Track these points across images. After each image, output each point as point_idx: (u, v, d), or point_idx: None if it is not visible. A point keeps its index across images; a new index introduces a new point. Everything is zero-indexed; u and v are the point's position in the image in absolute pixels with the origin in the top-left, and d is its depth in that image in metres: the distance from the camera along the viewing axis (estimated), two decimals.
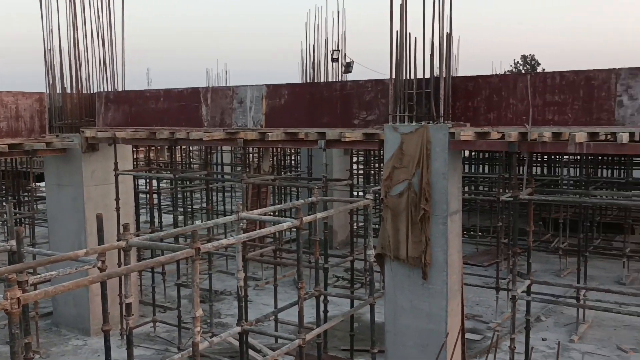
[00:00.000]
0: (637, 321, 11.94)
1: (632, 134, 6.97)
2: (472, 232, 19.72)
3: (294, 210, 12.55)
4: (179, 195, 16.46)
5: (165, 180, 20.48)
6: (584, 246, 12.61)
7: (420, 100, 8.28)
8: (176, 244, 8.07)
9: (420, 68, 8.24)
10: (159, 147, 14.11)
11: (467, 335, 11.44)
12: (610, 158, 22.95)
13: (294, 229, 6.62)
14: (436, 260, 8.08)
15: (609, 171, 23.49)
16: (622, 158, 20.52)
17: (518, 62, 56.61)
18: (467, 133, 7.66)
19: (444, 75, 8.01)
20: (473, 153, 25.31)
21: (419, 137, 8.01)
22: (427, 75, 8.20)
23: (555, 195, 11.62)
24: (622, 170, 20.87)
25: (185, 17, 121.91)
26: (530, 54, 57.54)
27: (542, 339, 11.35)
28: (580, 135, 6.95)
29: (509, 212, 13.92)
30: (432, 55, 8.07)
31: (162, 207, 15.22)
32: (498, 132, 7.71)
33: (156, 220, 13.47)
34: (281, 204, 18.62)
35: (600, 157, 22.37)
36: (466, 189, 23.45)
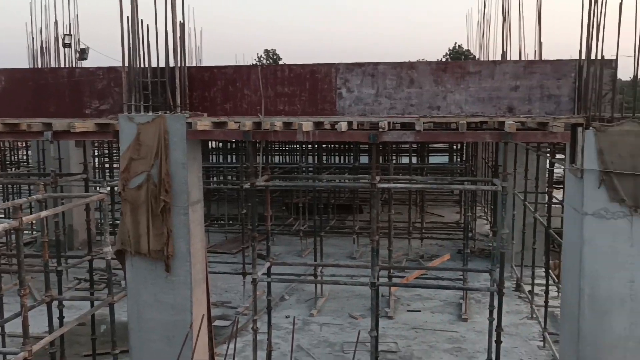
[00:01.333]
0: (365, 290, 13.44)
1: (350, 123, 7.78)
2: (221, 221, 20.08)
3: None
4: None
5: None
6: (320, 227, 13.75)
7: (156, 89, 8.09)
8: None
9: (155, 57, 8.04)
10: None
11: (216, 322, 11.64)
12: (341, 145, 25.38)
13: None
14: (179, 251, 8.02)
15: (341, 157, 25.98)
16: (351, 145, 22.81)
17: (261, 56, 59.08)
18: (204, 123, 7.72)
19: (179, 65, 7.94)
20: (220, 143, 25.73)
21: (156, 127, 7.83)
22: (163, 64, 8.04)
23: (289, 181, 12.39)
24: (351, 157, 23.18)
25: None
26: (272, 49, 60.56)
27: (286, 317, 12.08)
28: (307, 124, 7.51)
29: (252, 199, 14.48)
30: (166, 43, 7.93)
31: None
32: (234, 122, 7.93)
33: None
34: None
35: (332, 145, 24.60)
36: (214, 178, 23.79)
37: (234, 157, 25.32)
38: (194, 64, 16.30)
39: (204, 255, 8.66)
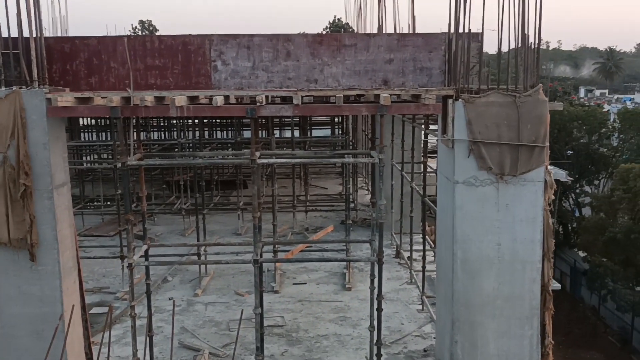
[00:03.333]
0: (251, 266, 13.30)
1: (226, 97, 7.52)
2: (97, 202, 19.00)
3: None
4: None
5: None
6: (202, 204, 13.39)
7: (8, 62, 7.32)
8: None
9: (6, 26, 7.26)
10: None
11: (94, 310, 11.05)
12: (222, 120, 24.85)
13: None
14: (44, 238, 7.41)
15: (223, 132, 25.47)
16: (233, 120, 22.40)
17: (136, 27, 56.17)
18: (66, 99, 7.12)
19: (35, 35, 7.22)
20: (92, 120, 24.27)
21: (11, 104, 7.11)
22: (16, 35, 7.27)
23: (165, 159, 11.90)
24: (233, 131, 22.77)
25: None
26: (147, 19, 57.75)
27: (169, 299, 11.70)
28: (180, 99, 7.16)
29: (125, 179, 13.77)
30: (18, 11, 7.17)
31: None
32: (101, 98, 7.39)
33: None
34: None
35: (214, 120, 24.01)
36: (87, 158, 22.43)
37: (108, 134, 23.99)
38: (59, 35, 15.02)
39: (74, 241, 8.08)
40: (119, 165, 8.81)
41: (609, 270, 20.52)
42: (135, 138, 9.04)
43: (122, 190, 9.92)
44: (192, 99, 7.58)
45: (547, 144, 7.38)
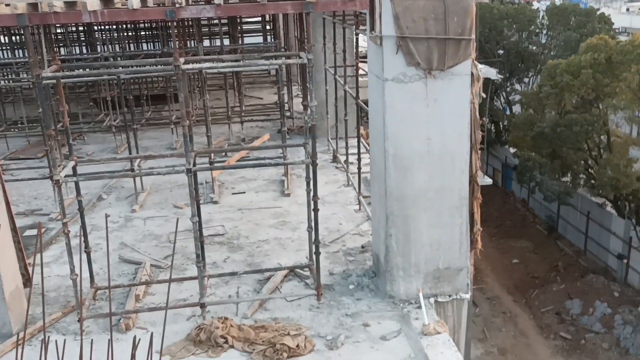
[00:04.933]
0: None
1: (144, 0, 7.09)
2: (20, 124, 18.11)
3: None
4: None
5: None
6: (132, 120, 12.97)
7: None
8: None
9: None
10: None
11: (27, 232, 10.82)
12: (149, 32, 23.71)
13: None
14: None
15: (149, 44, 24.34)
16: (159, 31, 21.39)
17: None
18: None
19: None
20: (5, 37, 22.70)
21: None
22: None
23: (85, 71, 11.34)
24: (160, 43, 21.79)
25: None
26: None
27: (107, 216, 11.50)
28: (93, 2, 6.71)
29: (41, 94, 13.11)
30: None
31: None
32: (4, 5, 6.82)
33: None
34: None
35: (139, 32, 22.87)
36: (5, 76, 21.09)
37: (25, 51, 22.49)
38: None
39: None
40: (33, 79, 8.32)
41: (537, 164, 21.48)
42: (50, 50, 8.48)
43: (41, 105, 9.43)
44: (107, 3, 7.12)
45: (474, 36, 7.41)
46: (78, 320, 7.54)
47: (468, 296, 8.20)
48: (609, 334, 17.72)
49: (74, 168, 7.91)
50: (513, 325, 19.20)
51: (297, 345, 7.20)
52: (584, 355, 17.26)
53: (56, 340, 6.19)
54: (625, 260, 19.86)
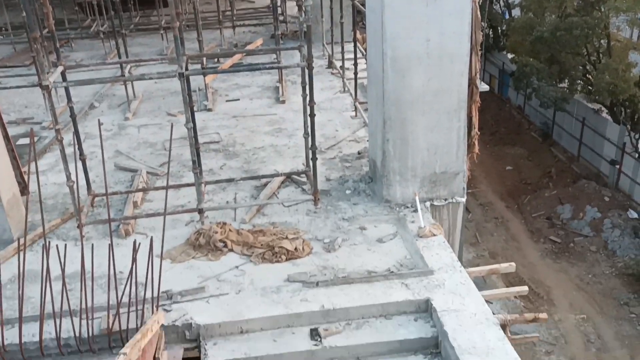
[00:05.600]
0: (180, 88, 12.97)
1: None
2: (5, 31, 17.51)
3: None
4: None
5: None
6: (121, 25, 12.53)
7: None
8: None
9: None
10: None
11: (21, 141, 10.71)
12: None
13: None
14: None
15: None
16: None
17: None
18: None
19: None
20: None
21: None
22: None
23: None
24: None
25: None
26: None
27: (100, 123, 11.36)
28: None
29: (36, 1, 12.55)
30: None
31: None
32: None
33: None
34: None
35: None
36: None
37: None
38: None
39: None
40: None
41: (534, 69, 21.11)
42: None
43: (24, 9, 9.04)
44: None
45: None
46: (77, 227, 7.61)
47: (464, 200, 8.28)
48: (597, 237, 18.17)
49: (62, 74, 7.70)
50: (505, 230, 19.63)
51: (295, 248, 7.33)
52: (572, 257, 17.78)
53: (57, 246, 6.29)
54: (617, 166, 20.02)
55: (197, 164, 7.91)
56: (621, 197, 19.53)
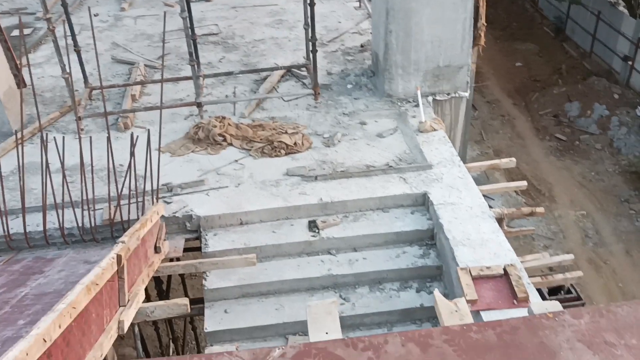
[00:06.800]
0: None
1: None
2: None
3: None
4: None
5: None
6: None
7: None
8: None
9: None
10: None
11: (14, 33, 10.45)
12: None
13: None
14: None
15: None
16: None
17: None
18: None
19: None
20: None
21: None
22: None
23: None
24: None
25: None
26: None
27: (95, 15, 11.04)
28: None
29: None
30: None
31: None
32: None
33: None
34: None
35: None
36: None
37: None
38: None
39: None
40: None
41: None
42: None
43: None
44: None
45: None
46: (75, 120, 7.57)
47: (467, 94, 8.12)
48: (603, 135, 18.02)
49: None
50: (510, 127, 19.47)
51: (295, 143, 7.30)
52: (577, 155, 17.74)
53: (55, 138, 6.27)
54: (630, 62, 19.47)
55: (194, 56, 7.72)
56: (631, 94, 19.15)
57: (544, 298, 5.77)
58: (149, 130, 6.06)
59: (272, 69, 8.78)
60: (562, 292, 8.43)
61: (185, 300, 5.08)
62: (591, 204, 15.86)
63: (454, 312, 2.68)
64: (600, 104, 18.75)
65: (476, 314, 5.01)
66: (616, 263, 13.97)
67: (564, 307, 10.38)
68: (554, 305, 2.55)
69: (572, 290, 10.14)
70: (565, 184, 16.66)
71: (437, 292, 2.93)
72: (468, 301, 5.05)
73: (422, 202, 6.48)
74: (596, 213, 15.55)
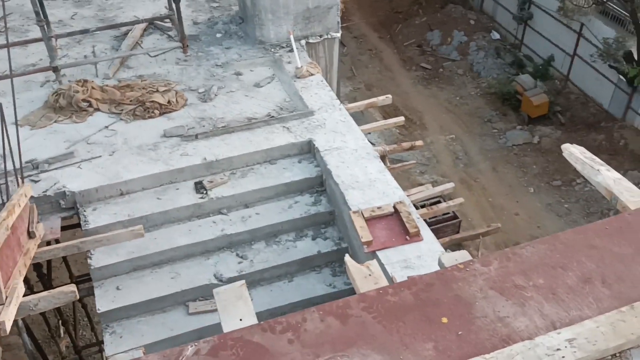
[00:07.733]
0: None
1: None
2: None
3: None
4: None
5: None
6: None
7: None
8: None
9: None
10: None
11: None
12: None
13: None
14: None
15: None
16: None
17: None
18: None
19: None
20: None
21: None
22: None
23: None
24: None
25: None
26: None
27: None
28: None
29: None
30: None
31: None
32: None
33: None
34: None
35: None
36: None
37: None
38: None
39: None
40: None
41: None
42: None
43: None
44: None
45: None
46: None
47: (339, 35, 8.07)
48: (464, 60, 18.97)
49: None
50: (379, 61, 19.90)
51: (169, 101, 6.91)
52: (442, 82, 18.58)
53: None
54: None
55: (41, 14, 6.93)
56: (485, 19, 20.20)
57: (429, 225, 6.03)
58: (0, 103, 5.42)
59: (132, 23, 8.14)
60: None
61: (72, 287, 4.72)
62: (458, 128, 16.81)
63: (367, 277, 2.69)
64: (458, 30, 19.62)
65: (372, 254, 5.16)
66: (485, 180, 15.05)
67: (444, 227, 11.02)
68: (462, 255, 2.62)
69: (449, 211, 10.80)
70: (434, 111, 17.47)
71: (347, 258, 2.91)
72: (364, 243, 5.18)
73: (308, 150, 6.45)
74: (464, 135, 16.53)
